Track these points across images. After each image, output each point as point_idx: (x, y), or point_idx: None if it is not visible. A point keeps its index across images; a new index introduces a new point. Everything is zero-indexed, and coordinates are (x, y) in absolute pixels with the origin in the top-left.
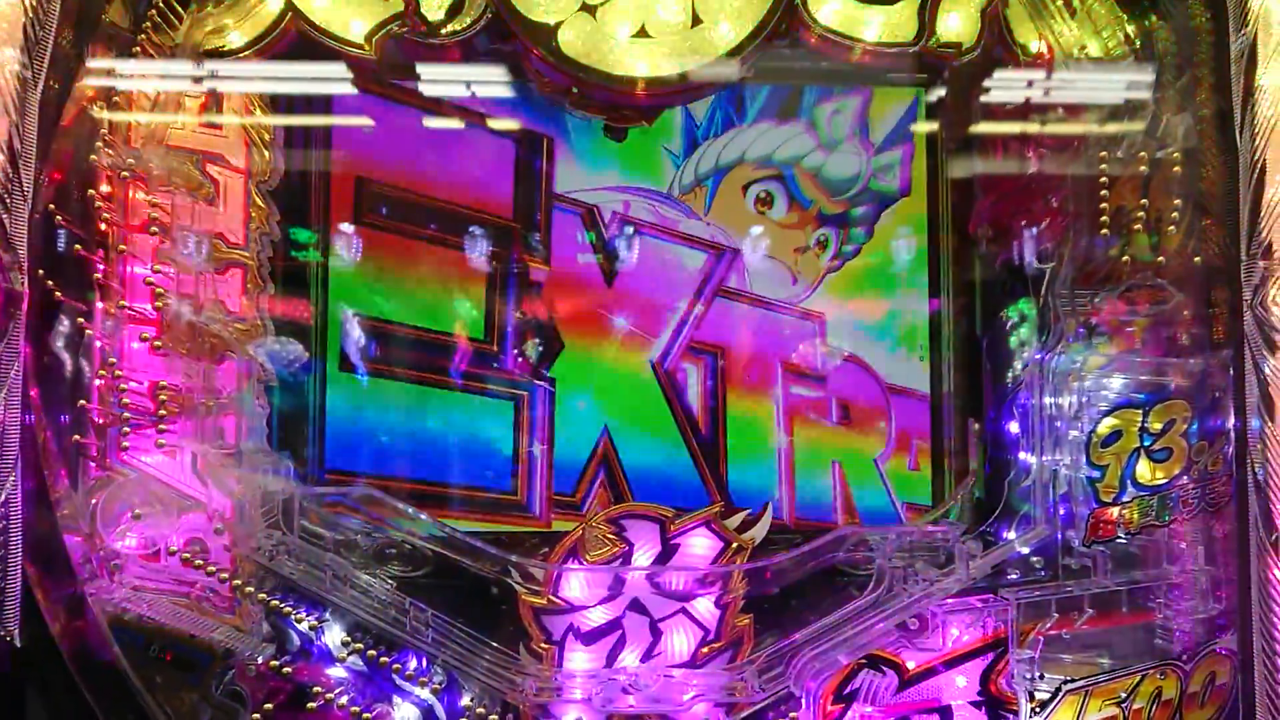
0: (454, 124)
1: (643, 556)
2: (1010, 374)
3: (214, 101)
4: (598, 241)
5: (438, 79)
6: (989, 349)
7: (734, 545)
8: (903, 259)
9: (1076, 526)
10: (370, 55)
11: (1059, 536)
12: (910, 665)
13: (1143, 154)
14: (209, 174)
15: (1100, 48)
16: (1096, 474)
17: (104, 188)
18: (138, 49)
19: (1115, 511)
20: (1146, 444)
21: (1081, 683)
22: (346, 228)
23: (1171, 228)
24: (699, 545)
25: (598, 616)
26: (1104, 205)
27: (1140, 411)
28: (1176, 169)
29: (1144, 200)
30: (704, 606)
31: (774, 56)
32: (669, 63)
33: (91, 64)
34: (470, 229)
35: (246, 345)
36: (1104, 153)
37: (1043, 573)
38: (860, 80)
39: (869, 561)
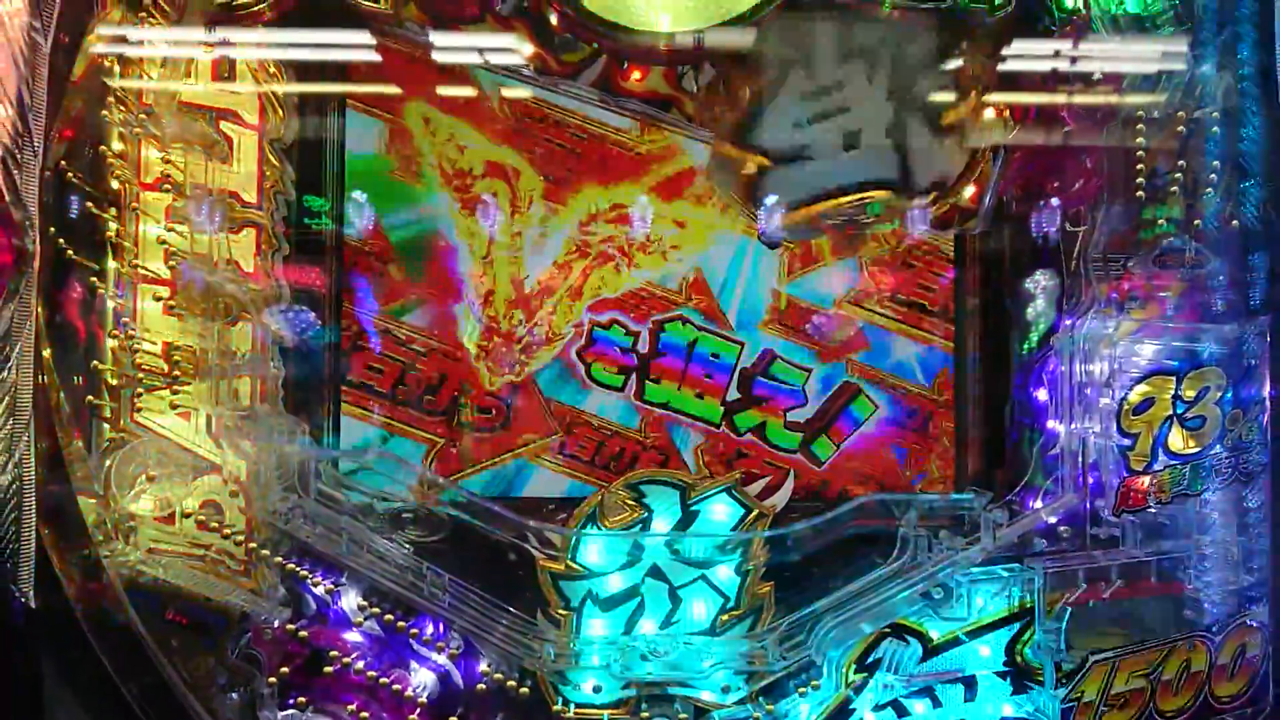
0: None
1: (662, 523)
2: (1026, 347)
3: (226, 62)
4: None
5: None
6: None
7: (755, 512)
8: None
9: (1106, 495)
10: (387, 9)
11: (1088, 505)
12: (934, 635)
13: (1180, 115)
14: (222, 131)
15: (1139, 4)
16: (1127, 442)
17: (115, 145)
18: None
19: (1146, 480)
20: (1179, 412)
21: (1109, 653)
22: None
23: (1209, 190)
24: (719, 512)
25: (616, 583)
26: (1139, 167)
27: (1173, 379)
28: (1215, 129)
29: (1180, 162)
30: (724, 574)
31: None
32: (692, 15)
33: (101, 29)
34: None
35: (260, 313)
36: (1140, 113)
37: (1069, 543)
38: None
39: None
